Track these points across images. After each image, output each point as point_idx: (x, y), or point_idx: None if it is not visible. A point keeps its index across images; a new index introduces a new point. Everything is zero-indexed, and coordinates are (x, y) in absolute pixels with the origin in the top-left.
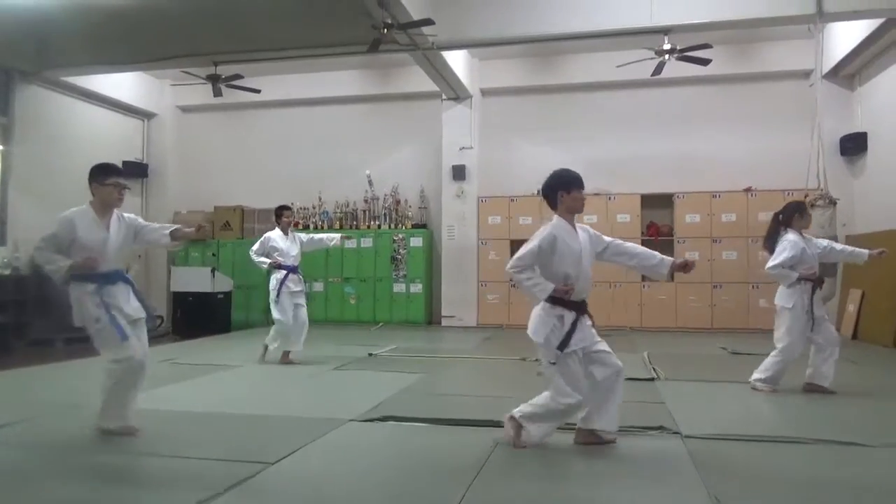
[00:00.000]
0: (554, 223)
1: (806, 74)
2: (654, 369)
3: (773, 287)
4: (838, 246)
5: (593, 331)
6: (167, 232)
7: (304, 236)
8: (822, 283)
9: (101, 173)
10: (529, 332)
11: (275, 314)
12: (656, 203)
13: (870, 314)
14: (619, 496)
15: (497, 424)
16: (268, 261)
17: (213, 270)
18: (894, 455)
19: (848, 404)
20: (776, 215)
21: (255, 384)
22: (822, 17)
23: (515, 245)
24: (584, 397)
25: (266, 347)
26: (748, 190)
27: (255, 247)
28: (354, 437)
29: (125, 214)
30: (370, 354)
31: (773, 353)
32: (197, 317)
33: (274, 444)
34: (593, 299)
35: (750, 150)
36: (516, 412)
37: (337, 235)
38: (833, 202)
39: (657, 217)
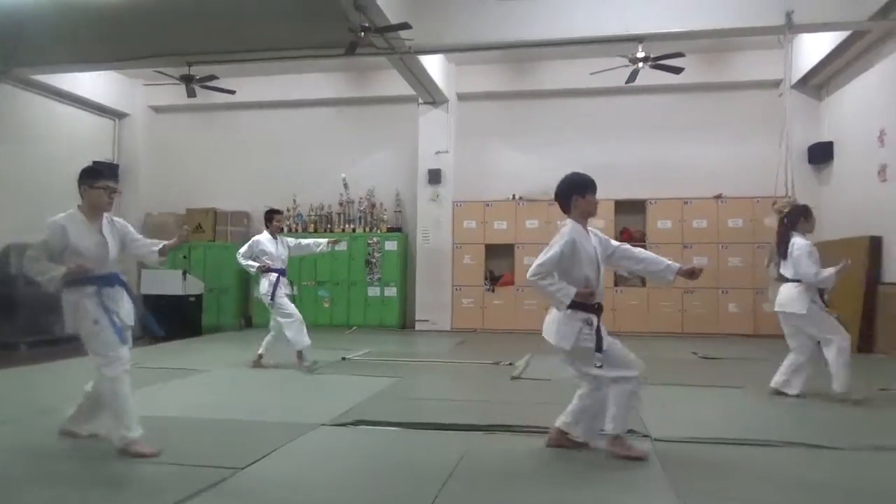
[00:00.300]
0: (570, 228)
1: (775, 84)
2: None
3: (741, 293)
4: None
5: None
6: (156, 249)
7: (291, 241)
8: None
9: (90, 176)
10: (553, 339)
11: (281, 317)
12: (629, 209)
13: None
14: (588, 499)
15: (470, 428)
16: (255, 264)
17: (184, 273)
18: (862, 457)
19: (815, 408)
20: (782, 219)
21: (226, 388)
22: (791, 28)
23: (490, 249)
24: (638, 365)
25: (300, 353)
26: (718, 197)
27: (243, 249)
28: (326, 441)
29: (115, 219)
30: (343, 358)
31: (834, 356)
32: (167, 320)
33: (244, 449)
34: None
35: (720, 157)
36: (613, 432)
37: (324, 241)
38: None
39: (630, 223)
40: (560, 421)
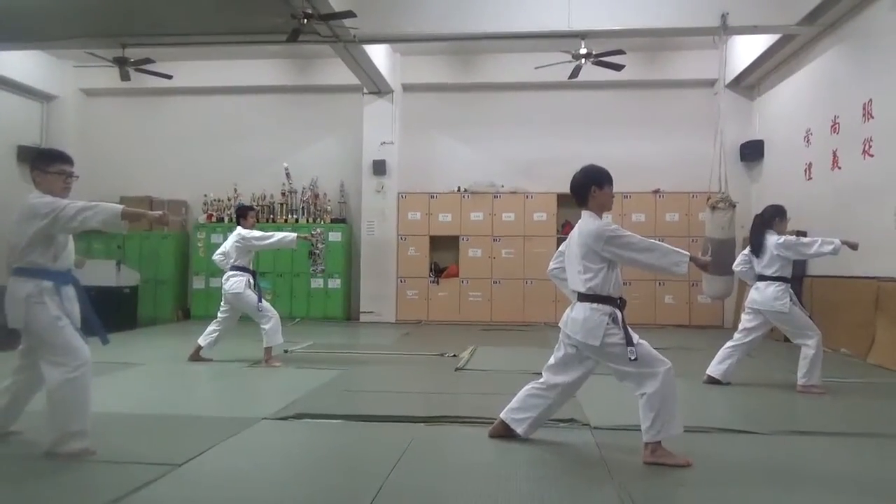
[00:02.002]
0: (600, 220)
1: (710, 83)
2: None
3: (677, 285)
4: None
5: None
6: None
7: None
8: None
9: (43, 160)
10: (580, 336)
11: (262, 317)
12: (572, 202)
13: None
14: (530, 487)
15: (414, 419)
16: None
17: (118, 263)
18: (783, 441)
19: (744, 395)
20: (758, 217)
21: (164, 383)
22: (725, 30)
23: (435, 241)
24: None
25: (269, 350)
26: (656, 192)
27: (263, 242)
28: (267, 435)
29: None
30: (286, 351)
31: (807, 348)
32: (100, 312)
33: (181, 445)
34: (506, 295)
35: (658, 153)
36: (651, 439)
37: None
38: (733, 205)
39: (572, 216)
40: (505, 413)
